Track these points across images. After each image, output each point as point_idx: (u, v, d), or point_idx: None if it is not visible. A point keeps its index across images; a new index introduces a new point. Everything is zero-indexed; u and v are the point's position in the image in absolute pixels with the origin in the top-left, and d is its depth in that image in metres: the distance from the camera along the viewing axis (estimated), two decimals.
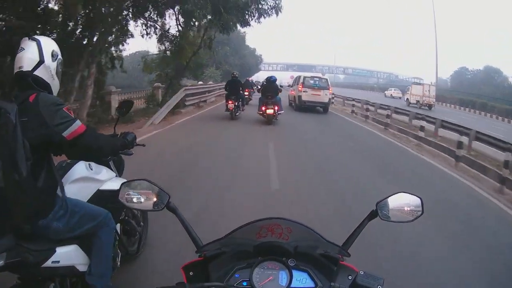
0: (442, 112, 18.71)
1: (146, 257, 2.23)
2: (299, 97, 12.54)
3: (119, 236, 1.82)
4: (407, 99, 22.61)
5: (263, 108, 9.00)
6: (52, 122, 1.22)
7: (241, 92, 9.76)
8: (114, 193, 1.64)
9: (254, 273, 0.75)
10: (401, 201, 0.93)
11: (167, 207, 0.92)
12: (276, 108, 8.88)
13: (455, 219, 3.37)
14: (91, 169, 1.67)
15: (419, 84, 23.44)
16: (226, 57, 32.63)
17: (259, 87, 16.60)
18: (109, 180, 1.76)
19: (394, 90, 32.37)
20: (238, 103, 9.52)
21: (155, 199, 0.93)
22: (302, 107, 12.21)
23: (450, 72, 43.82)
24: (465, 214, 3.58)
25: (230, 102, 9.09)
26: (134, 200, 0.95)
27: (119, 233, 1.82)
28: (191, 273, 0.80)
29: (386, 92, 32.74)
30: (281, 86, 10.25)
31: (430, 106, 20.89)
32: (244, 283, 0.76)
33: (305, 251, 0.80)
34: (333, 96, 15.41)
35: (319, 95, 12.51)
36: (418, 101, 21.10)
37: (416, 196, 0.93)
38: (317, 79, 12.99)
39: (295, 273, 0.76)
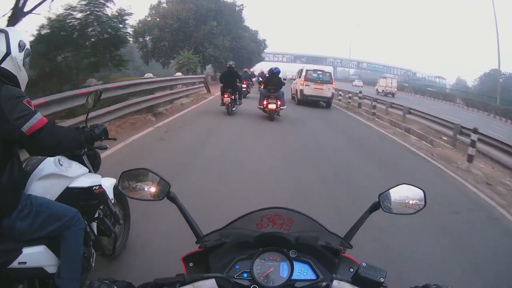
0: (402, 98, 27.38)
1: (144, 251, 2.33)
2: (301, 91, 12.61)
3: (95, 236, 1.79)
4: (377, 89, 31.26)
5: (265, 103, 8.71)
6: (11, 116, 1.19)
7: (238, 84, 9.22)
8: (85, 190, 1.71)
9: (255, 264, 0.77)
10: (404, 193, 0.96)
11: (167, 197, 0.94)
12: (278, 103, 8.63)
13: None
14: (61, 165, 1.61)
15: (384, 78, 34.11)
16: (213, 37, 24.19)
17: (261, 79, 16.11)
18: (80, 177, 1.70)
19: (358, 81, 46.16)
20: (235, 97, 9.07)
21: (155, 189, 0.96)
22: (304, 101, 12.23)
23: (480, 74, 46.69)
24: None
25: (226, 95, 8.59)
26: (134, 189, 0.97)
27: (95, 233, 1.80)
28: (191, 264, 0.82)
29: (352, 82, 43.71)
30: (284, 79, 9.96)
31: (393, 94, 29.95)
32: (245, 275, 0.77)
33: (306, 242, 0.83)
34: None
35: (322, 89, 12.52)
36: (383, 90, 30.38)
37: (419, 188, 0.96)
38: (320, 72, 12.89)
39: (296, 265, 0.78)
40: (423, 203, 0.95)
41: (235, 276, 0.75)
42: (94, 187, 1.74)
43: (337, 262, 0.81)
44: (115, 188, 2.01)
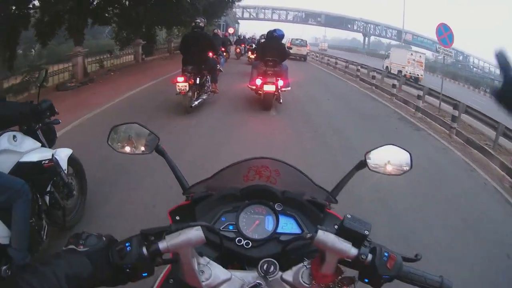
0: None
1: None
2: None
3: (47, 208, 2.13)
4: (387, 66, 22.05)
5: (259, 82, 6.70)
6: None
7: (209, 55, 6.67)
8: (35, 165, 2.01)
9: (241, 217, 0.87)
10: (390, 154, 1.05)
11: (156, 150, 1.06)
12: (279, 82, 6.66)
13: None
14: (15, 141, 1.96)
15: (403, 50, 25.30)
16: None
17: (254, 46, 12.59)
18: (31, 152, 2.05)
19: (323, 43, 52.26)
20: (201, 80, 6.43)
21: (144, 143, 1.07)
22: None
23: None
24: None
25: (181, 78, 5.87)
26: (123, 144, 1.07)
27: (47, 205, 2.14)
28: (177, 218, 0.91)
29: (318, 46, 49.59)
30: (289, 48, 8.90)
31: (416, 79, 19.67)
32: (231, 227, 0.86)
33: (292, 197, 0.93)
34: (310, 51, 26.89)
35: (301, 50, 23.13)
36: (400, 71, 20.47)
37: (405, 150, 1.06)
38: (300, 40, 24.46)
39: (282, 218, 0.88)
40: (409, 165, 1.05)
41: (221, 228, 0.86)
42: (43, 161, 2.05)
43: (322, 217, 0.92)
44: (71, 159, 2.44)
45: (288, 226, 0.86)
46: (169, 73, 9.90)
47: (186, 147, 4.37)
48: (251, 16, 59.57)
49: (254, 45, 15.27)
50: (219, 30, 12.82)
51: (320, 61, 23.69)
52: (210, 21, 21.41)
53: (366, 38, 61.97)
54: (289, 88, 7.14)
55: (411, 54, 21.36)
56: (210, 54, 6.60)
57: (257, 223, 0.84)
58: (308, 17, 58.72)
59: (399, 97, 10.29)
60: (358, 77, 14.02)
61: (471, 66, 50.54)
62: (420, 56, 21.39)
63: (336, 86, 12.84)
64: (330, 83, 13.50)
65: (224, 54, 12.29)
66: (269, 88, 6.51)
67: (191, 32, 6.50)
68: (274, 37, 6.95)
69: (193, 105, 6.10)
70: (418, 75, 19.74)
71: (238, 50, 17.81)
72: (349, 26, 59.63)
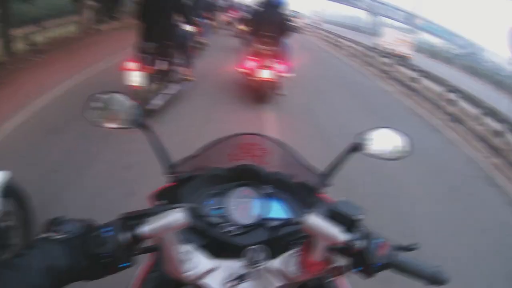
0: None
1: None
2: None
3: None
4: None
5: (252, 65, 4.92)
6: None
7: (178, 29, 4.40)
8: None
9: (228, 199, 0.82)
10: (387, 137, 1.00)
11: (139, 124, 0.94)
12: (279, 67, 4.88)
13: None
14: None
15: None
16: None
17: (244, 15, 10.32)
18: None
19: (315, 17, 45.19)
20: (166, 64, 4.25)
21: (125, 114, 0.95)
22: None
23: None
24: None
25: (133, 63, 3.77)
26: (100, 116, 0.95)
27: None
28: (160, 202, 0.87)
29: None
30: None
31: (402, 57, 18.34)
32: (217, 211, 0.81)
33: (283, 179, 0.89)
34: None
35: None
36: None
37: (405, 134, 1.00)
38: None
39: (271, 202, 0.83)
40: (408, 149, 1.00)
41: (207, 212, 0.81)
42: None
43: (314, 201, 0.88)
44: (8, 188, 1.76)
45: (278, 210, 0.82)
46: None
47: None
48: None
49: (245, 15, 11.92)
50: None
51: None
52: None
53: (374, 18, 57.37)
54: (294, 74, 5.46)
55: (400, 35, 22.45)
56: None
57: (244, 207, 0.80)
58: None
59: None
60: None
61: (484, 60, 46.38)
62: (406, 36, 22.90)
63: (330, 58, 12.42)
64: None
65: (211, 22, 9.37)
66: (265, 73, 4.87)
67: None
68: (272, 5, 5.05)
69: (152, 106, 3.92)
70: (408, 54, 20.70)
71: (226, 18, 12.93)
72: (354, 2, 53.56)
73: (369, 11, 59.09)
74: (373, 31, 33.56)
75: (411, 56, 20.28)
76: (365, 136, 0.96)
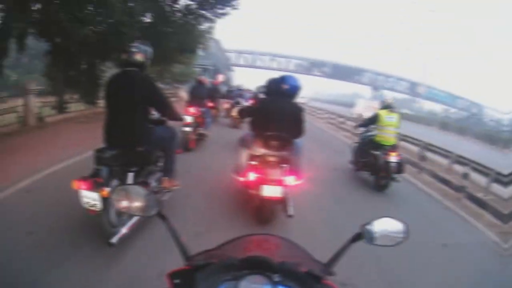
0: None
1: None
2: None
3: None
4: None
5: (253, 177, 3.52)
6: None
7: (156, 127, 3.31)
8: None
9: (240, 286, 0.88)
10: (386, 226, 1.12)
11: (157, 214, 1.13)
12: (287, 179, 3.45)
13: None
14: None
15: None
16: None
17: (250, 100, 9.72)
18: None
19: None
20: (132, 177, 3.03)
21: (145, 205, 1.15)
22: None
23: None
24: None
25: (85, 182, 2.61)
26: (126, 205, 1.16)
27: None
28: (177, 281, 0.97)
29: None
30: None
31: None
32: None
33: (290, 268, 0.96)
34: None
35: None
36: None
37: (401, 221, 1.13)
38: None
39: None
40: (404, 235, 1.13)
41: None
42: None
43: None
44: None
45: None
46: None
47: None
48: (247, 63, 53.38)
49: (244, 101, 11.17)
50: (205, 77, 8.02)
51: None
52: (185, 58, 14.48)
53: (375, 91, 57.03)
54: (301, 181, 3.91)
55: (370, 103, 29.37)
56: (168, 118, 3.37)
57: None
58: (312, 67, 50.42)
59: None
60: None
61: (486, 120, 47.34)
62: (376, 104, 29.45)
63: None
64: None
65: (212, 110, 8.38)
66: (272, 191, 3.50)
67: (119, 74, 3.14)
68: (283, 93, 3.89)
69: (114, 239, 2.74)
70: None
71: (227, 106, 12.23)
72: (358, 76, 53.19)
73: (371, 86, 57.99)
74: (351, 104, 35.61)
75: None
76: (367, 226, 1.12)
